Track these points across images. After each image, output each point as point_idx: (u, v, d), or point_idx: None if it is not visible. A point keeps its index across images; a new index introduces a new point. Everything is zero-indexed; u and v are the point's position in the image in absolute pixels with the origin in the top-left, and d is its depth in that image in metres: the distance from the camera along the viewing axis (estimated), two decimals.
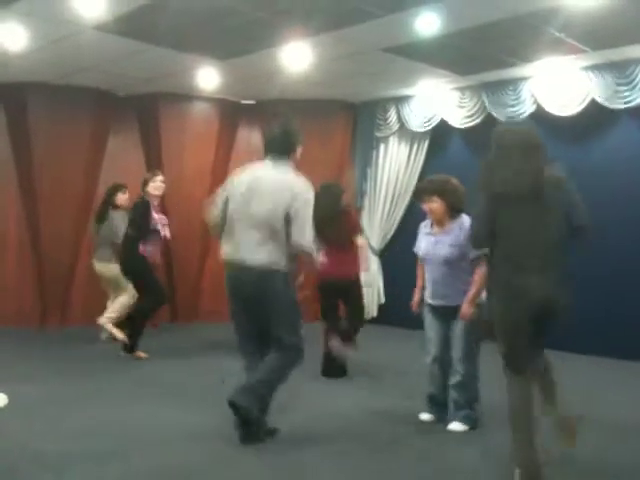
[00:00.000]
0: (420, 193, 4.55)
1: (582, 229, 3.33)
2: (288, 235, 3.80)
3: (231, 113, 8.90)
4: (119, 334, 6.42)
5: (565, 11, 5.19)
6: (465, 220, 4.25)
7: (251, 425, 3.83)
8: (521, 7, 5.20)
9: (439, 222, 4.38)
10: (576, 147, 6.99)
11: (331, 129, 8.88)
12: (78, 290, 8.35)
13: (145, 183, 6.48)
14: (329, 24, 5.66)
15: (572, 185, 3.37)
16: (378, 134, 8.80)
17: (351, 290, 5.74)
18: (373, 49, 6.38)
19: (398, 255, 8.61)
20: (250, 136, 9.17)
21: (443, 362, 4.35)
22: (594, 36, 5.84)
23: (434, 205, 4.34)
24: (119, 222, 6.82)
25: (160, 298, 6.48)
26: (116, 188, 7.14)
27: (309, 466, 3.61)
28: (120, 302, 6.85)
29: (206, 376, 5.62)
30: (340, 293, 5.71)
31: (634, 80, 6.41)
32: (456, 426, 4.25)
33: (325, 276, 5.41)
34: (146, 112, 8.59)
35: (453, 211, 4.34)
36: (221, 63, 6.89)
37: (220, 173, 8.92)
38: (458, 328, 4.25)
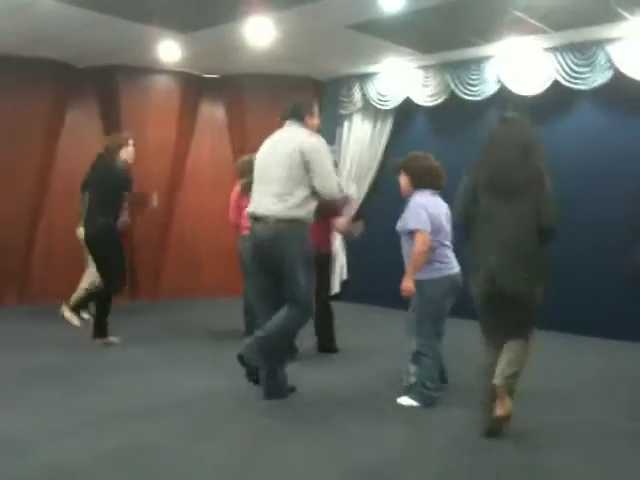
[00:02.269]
0: (394, 168, 4.62)
1: (546, 231, 3.58)
2: (313, 185, 4.10)
3: (194, 87, 8.76)
4: (76, 320, 5.84)
5: None
6: (415, 198, 4.30)
7: (258, 377, 4.20)
8: None
9: (405, 197, 4.43)
10: (538, 127, 6.99)
11: None
12: (36, 267, 8.21)
13: (119, 148, 5.93)
14: None
15: (549, 182, 3.59)
16: (343, 111, 8.75)
17: (325, 263, 5.69)
18: (337, 26, 6.32)
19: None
20: (213, 110, 9.07)
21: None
22: (556, 17, 5.88)
23: (401, 180, 4.45)
24: None
25: (124, 279, 6.14)
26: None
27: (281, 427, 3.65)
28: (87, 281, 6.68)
29: (169, 357, 5.62)
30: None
31: (595, 61, 6.49)
32: (404, 400, 4.28)
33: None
34: (106, 85, 8.41)
35: (416, 187, 4.36)
36: (182, 36, 6.76)
37: (182, 148, 8.84)
38: (413, 302, 4.30)
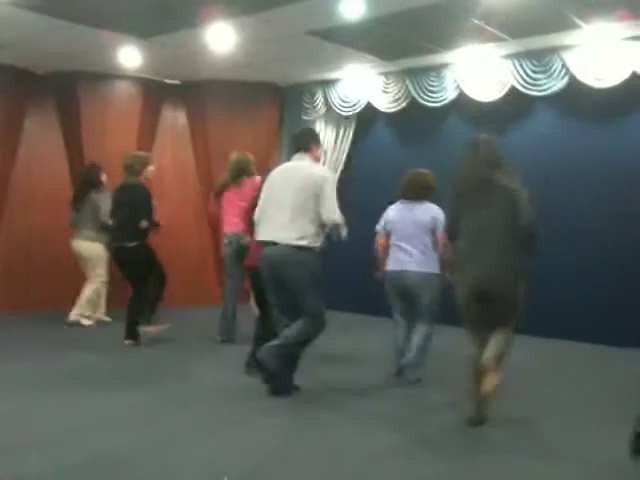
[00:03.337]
0: None
1: (523, 229, 3.93)
2: (320, 214, 4.43)
3: (155, 93, 8.68)
4: (152, 328, 6.26)
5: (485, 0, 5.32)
6: None
7: (275, 380, 4.51)
8: None
9: None
10: (496, 132, 7.12)
11: (258, 112, 8.82)
12: None
13: (144, 166, 6.26)
14: (253, 5, 5.60)
15: (522, 189, 4.00)
16: (305, 117, 8.79)
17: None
18: (298, 32, 6.35)
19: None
20: (175, 116, 9.00)
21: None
22: (513, 25, 6.00)
23: None
24: (104, 202, 6.77)
25: (165, 276, 6.41)
26: (99, 168, 7.22)
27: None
28: (86, 296, 7.00)
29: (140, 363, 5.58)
30: None
31: (551, 68, 6.64)
32: None
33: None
34: (65, 91, 8.28)
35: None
36: (142, 41, 6.72)
37: None
38: None
